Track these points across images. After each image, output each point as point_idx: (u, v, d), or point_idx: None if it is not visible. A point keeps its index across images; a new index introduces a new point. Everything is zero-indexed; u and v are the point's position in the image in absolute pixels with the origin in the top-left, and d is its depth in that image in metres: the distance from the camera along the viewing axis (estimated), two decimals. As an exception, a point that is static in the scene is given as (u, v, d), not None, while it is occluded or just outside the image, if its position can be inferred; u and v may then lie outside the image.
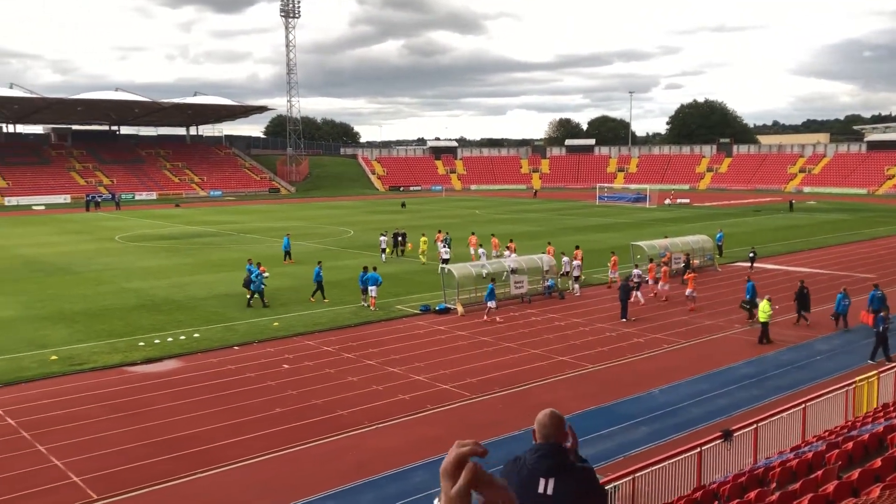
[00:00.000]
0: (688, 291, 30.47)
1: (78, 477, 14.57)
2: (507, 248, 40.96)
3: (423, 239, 43.23)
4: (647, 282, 32.97)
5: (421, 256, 42.36)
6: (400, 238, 45.44)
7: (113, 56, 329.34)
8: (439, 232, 44.38)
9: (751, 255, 40.14)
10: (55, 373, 21.40)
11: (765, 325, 24.66)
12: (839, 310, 26.90)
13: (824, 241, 51.38)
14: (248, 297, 30.37)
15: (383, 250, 43.35)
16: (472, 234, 45.28)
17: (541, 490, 4.44)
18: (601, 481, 11.04)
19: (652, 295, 32.05)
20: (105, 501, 13.67)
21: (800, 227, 60.55)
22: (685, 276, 32.53)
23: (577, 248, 36.74)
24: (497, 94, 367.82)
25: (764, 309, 24.74)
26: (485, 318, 27.95)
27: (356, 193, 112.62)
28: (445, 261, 38.62)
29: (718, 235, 44.68)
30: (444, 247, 39.98)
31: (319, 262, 32.70)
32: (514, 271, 32.20)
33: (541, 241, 46.78)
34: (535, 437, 4.67)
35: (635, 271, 32.18)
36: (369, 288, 29.59)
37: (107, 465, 15.08)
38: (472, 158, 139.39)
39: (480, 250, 41.29)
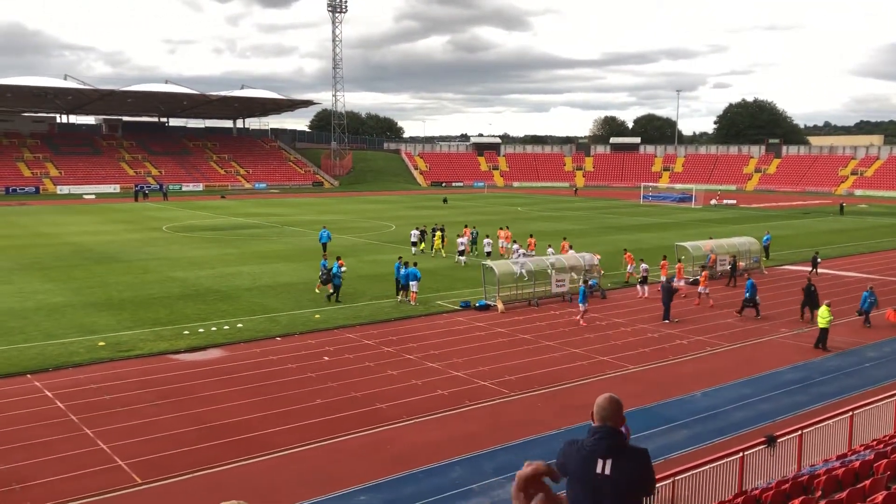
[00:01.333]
0: (700, 288, 30.91)
1: (123, 461, 14.90)
2: (515, 242, 41.40)
3: (438, 234, 43.63)
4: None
5: (441, 251, 42.69)
6: (437, 233, 45.57)
7: (163, 49, 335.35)
8: (465, 227, 45.06)
9: (817, 259, 39.11)
10: (103, 358, 21.89)
11: (824, 330, 23.91)
12: (864, 307, 27.50)
13: (876, 246, 50.14)
14: (330, 292, 30.07)
15: (414, 244, 43.78)
16: (500, 228, 45.63)
17: (599, 470, 4.64)
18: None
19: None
20: (149, 486, 13.95)
21: (850, 231, 59.16)
22: (701, 275, 32.48)
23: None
24: (541, 91, 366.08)
25: (823, 314, 23.94)
26: (579, 320, 27.09)
27: (398, 188, 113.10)
28: (462, 252, 40.02)
29: (765, 238, 43.85)
30: (461, 240, 41.23)
31: (400, 258, 32.36)
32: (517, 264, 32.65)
33: (584, 239, 46.48)
34: (594, 420, 4.84)
35: (643, 266, 32.73)
36: (410, 283, 29.70)
37: (151, 450, 15.39)
38: (515, 155, 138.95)
39: (486, 240, 41.95)
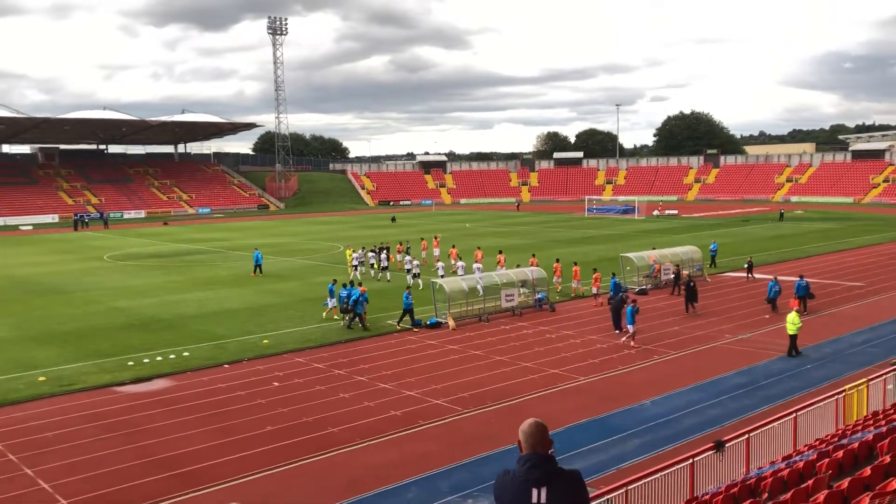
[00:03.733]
0: (593, 290, 32.79)
1: (66, 499, 14.41)
2: (446, 254, 44.04)
3: (349, 252, 44.11)
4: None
5: (350, 269, 42.57)
6: (386, 251, 45.22)
7: (98, 75, 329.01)
8: (399, 244, 45.81)
9: (746, 265, 40.27)
10: (44, 394, 21.20)
11: (793, 337, 24.13)
12: (771, 295, 30.71)
13: (813, 250, 51.70)
14: (349, 319, 28.88)
15: (355, 266, 42.76)
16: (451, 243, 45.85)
17: (534, 500, 4.61)
18: (593, 494, 11.03)
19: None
20: (94, 524, 13.52)
21: (788, 237, 60.91)
22: (593, 276, 34.52)
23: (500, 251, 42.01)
24: (484, 109, 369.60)
25: (793, 321, 24.06)
26: (626, 340, 25.84)
27: (346, 209, 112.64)
28: (419, 274, 39.51)
29: (712, 245, 44.94)
30: (408, 257, 41.27)
31: (408, 288, 31.48)
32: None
33: (529, 253, 46.83)
34: (521, 448, 4.77)
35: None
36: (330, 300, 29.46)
37: (96, 487, 14.92)
38: (462, 172, 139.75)
39: (438, 263, 42.31)
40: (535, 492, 4.61)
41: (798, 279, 31.21)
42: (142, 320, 31.15)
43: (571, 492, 4.71)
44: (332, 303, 30.66)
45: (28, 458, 16.51)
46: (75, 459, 16.36)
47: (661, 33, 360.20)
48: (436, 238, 50.00)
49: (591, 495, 11.07)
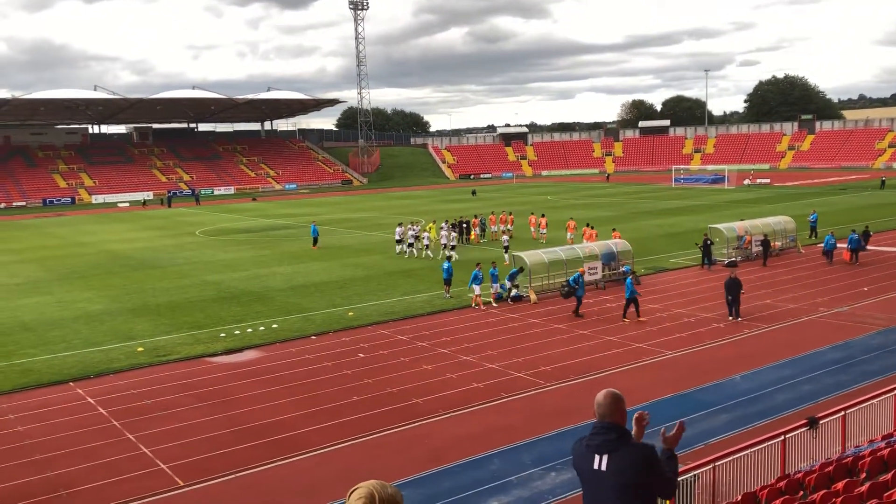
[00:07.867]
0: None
1: (165, 464, 15.10)
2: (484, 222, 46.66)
3: (432, 226, 43.34)
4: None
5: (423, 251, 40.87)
6: (465, 226, 45.59)
7: (187, 55, 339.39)
8: (475, 217, 47.29)
9: (867, 233, 37.91)
10: (142, 364, 22.21)
11: None
12: (828, 248, 34.13)
13: (916, 219, 49.02)
14: (577, 307, 26.61)
15: (399, 241, 41.39)
16: (514, 214, 45.34)
17: (595, 466, 4.74)
18: (680, 469, 10.80)
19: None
20: (191, 488, 14.13)
21: (890, 206, 57.90)
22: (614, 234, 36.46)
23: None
24: (565, 78, 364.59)
25: None
26: None
27: (427, 183, 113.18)
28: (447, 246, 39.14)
29: (812, 216, 43.09)
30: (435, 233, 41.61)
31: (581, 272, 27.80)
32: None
33: (618, 225, 46.08)
34: (595, 416, 4.93)
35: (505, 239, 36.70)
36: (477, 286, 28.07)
37: (192, 453, 15.58)
38: (543, 144, 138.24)
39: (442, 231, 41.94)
40: (596, 458, 4.71)
41: (851, 233, 34.48)
42: (233, 293, 32.18)
43: (635, 464, 4.65)
44: (492, 287, 28.84)
45: (130, 424, 17.36)
46: (172, 427, 17.11)
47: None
48: (493, 214, 49.70)
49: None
